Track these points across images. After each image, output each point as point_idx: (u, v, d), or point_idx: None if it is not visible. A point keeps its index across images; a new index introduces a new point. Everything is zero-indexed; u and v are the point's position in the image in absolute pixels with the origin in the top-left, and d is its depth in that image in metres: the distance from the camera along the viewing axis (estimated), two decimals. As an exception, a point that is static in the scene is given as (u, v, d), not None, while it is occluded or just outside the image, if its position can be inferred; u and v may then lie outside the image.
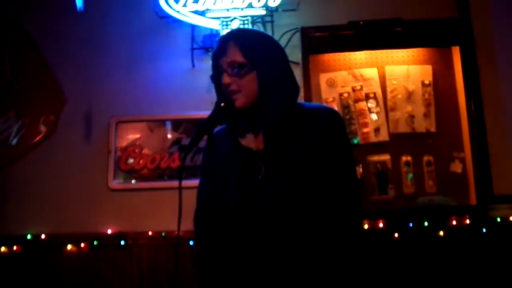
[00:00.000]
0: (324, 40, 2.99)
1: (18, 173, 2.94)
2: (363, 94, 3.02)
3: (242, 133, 1.32)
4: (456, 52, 3.02)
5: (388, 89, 3.02)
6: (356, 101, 3.02)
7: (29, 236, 2.81)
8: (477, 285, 2.63)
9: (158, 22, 3.05)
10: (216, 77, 1.30)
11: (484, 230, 2.72)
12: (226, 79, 1.25)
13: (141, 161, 2.95)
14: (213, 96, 1.34)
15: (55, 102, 3.01)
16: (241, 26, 2.87)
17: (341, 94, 3.02)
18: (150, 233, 2.80)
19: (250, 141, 1.31)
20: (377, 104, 3.00)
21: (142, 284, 2.76)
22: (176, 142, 2.98)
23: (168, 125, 3.03)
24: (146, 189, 2.93)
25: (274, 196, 1.22)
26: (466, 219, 2.75)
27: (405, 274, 2.64)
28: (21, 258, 2.79)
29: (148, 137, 3.01)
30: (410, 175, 2.91)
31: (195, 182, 1.44)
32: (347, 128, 2.91)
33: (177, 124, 3.01)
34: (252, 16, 2.94)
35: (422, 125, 2.97)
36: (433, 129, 2.97)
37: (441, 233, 2.72)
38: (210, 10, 2.93)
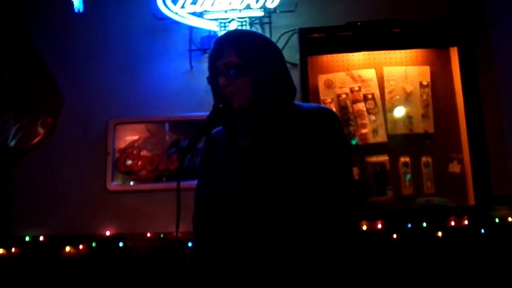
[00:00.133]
0: (322, 41, 2.98)
1: (17, 175, 2.93)
2: (361, 95, 3.01)
3: (239, 134, 1.32)
4: (454, 53, 3.01)
5: (386, 90, 3.02)
6: (354, 102, 3.01)
7: (27, 238, 2.81)
8: (476, 285, 2.63)
9: (156, 24, 3.05)
10: (212, 79, 1.30)
11: (482, 230, 2.72)
12: (222, 80, 1.25)
13: (139, 162, 2.95)
14: (211, 98, 1.34)
15: (53, 104, 2.99)
16: (239, 28, 2.87)
17: (339, 95, 3.02)
18: (148, 234, 2.80)
19: (247, 142, 1.31)
20: (375, 105, 3.00)
21: (141, 286, 2.76)
22: (174, 143, 2.98)
23: (167, 127, 3.04)
24: (144, 190, 2.93)
25: (271, 197, 1.22)
26: (465, 220, 2.75)
27: (403, 275, 2.64)
28: (20, 260, 2.79)
29: (147, 138, 3.01)
30: (409, 176, 2.91)
31: (193, 184, 1.44)
32: (345, 129, 2.91)
33: (175, 125, 3.01)
34: (250, 18, 2.94)
35: (420, 126, 2.97)
36: (431, 130, 2.97)
37: (440, 234, 2.72)
38: (208, 11, 2.94)
